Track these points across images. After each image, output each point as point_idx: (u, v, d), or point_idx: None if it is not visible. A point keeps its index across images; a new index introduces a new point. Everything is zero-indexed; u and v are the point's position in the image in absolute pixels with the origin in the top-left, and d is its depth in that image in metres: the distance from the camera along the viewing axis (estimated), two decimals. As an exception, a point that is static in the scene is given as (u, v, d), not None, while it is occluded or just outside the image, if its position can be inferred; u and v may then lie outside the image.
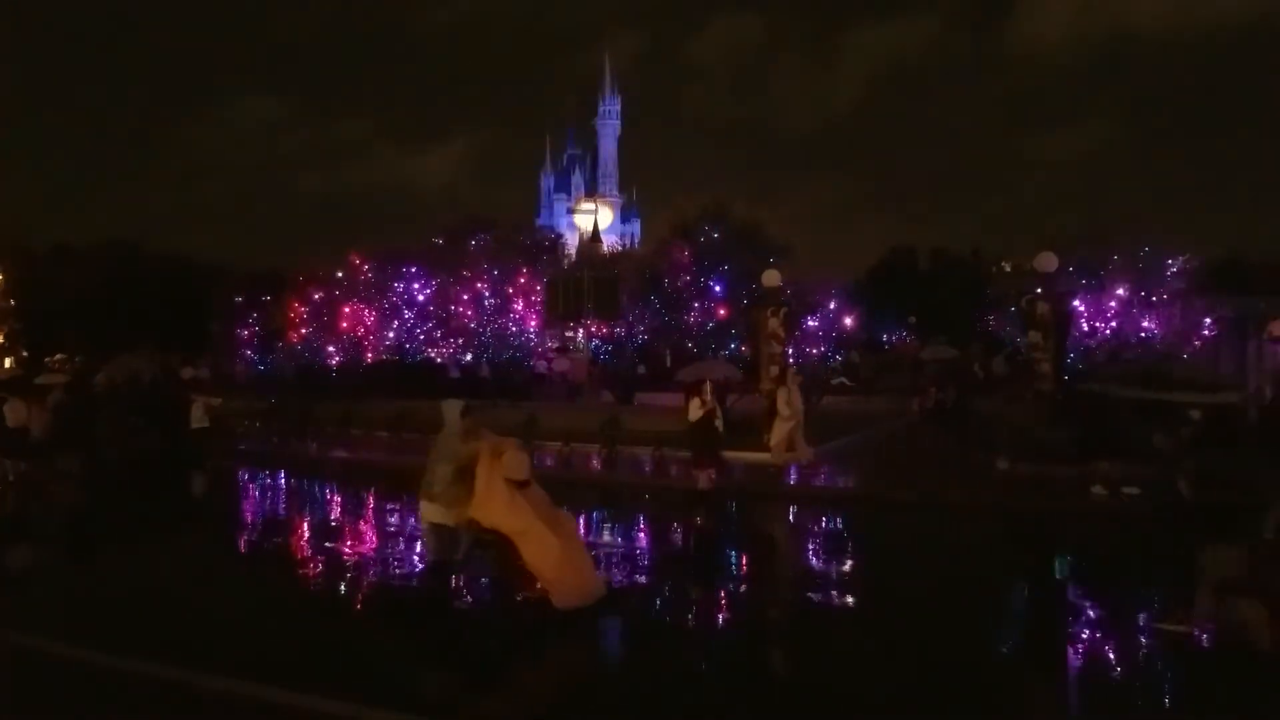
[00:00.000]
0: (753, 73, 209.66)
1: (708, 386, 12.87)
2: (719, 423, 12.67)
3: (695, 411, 12.50)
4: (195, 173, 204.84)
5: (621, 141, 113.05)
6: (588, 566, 6.88)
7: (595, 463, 16.72)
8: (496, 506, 6.61)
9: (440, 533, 6.98)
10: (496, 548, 6.82)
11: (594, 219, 46.88)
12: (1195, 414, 10.16)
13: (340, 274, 40.59)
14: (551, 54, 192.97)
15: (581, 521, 10.68)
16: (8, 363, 47.24)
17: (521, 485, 6.75)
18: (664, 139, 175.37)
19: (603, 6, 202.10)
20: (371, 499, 14.12)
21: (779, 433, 14.75)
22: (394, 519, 12.28)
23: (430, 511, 6.96)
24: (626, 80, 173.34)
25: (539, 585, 6.65)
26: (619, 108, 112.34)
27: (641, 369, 33.18)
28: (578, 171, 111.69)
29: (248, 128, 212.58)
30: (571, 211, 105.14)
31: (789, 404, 14.65)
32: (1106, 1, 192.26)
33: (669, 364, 36.85)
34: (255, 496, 15.47)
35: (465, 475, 6.80)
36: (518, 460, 6.82)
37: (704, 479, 12.39)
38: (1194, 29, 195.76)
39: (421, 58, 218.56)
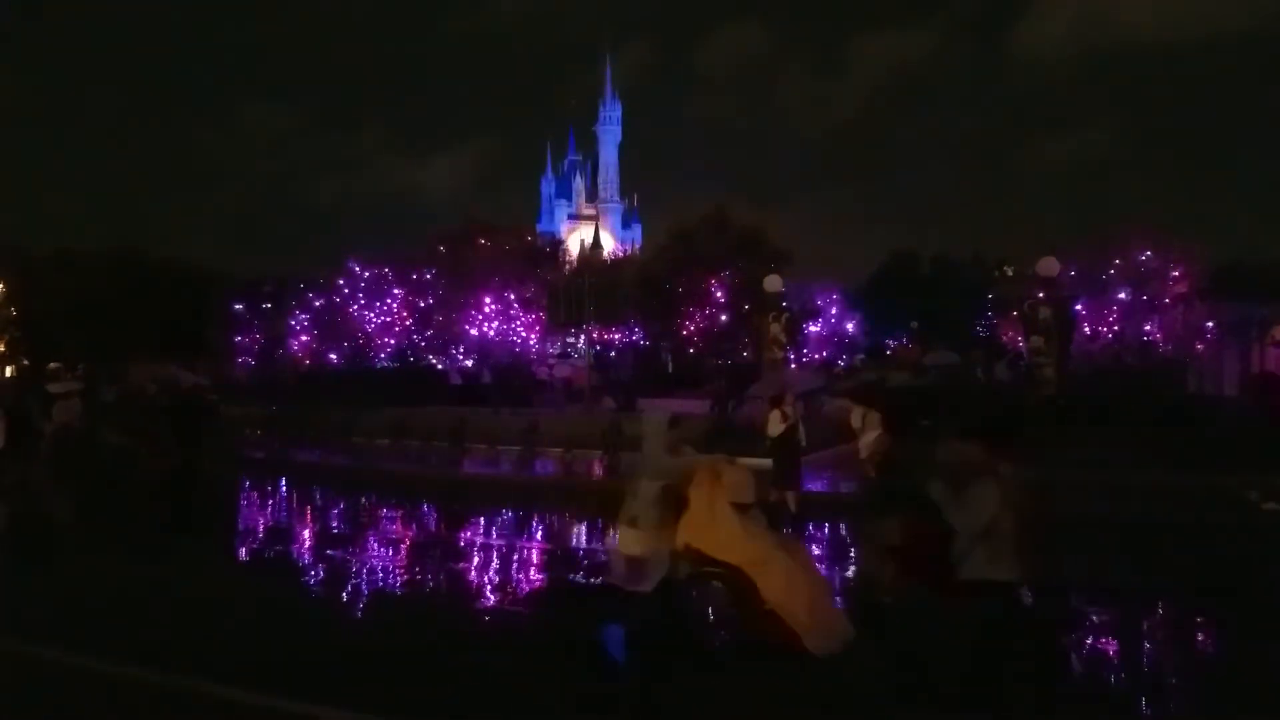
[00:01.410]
0: (757, 80, 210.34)
1: (790, 398, 11.89)
2: (801, 438, 11.48)
3: (776, 426, 11.31)
4: (203, 181, 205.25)
5: (623, 147, 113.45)
6: (835, 603, 5.77)
7: (598, 468, 16.71)
8: (726, 533, 5.68)
9: (647, 562, 5.92)
10: (723, 581, 5.74)
11: (595, 225, 46.97)
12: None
13: (341, 280, 40.64)
14: (560, 64, 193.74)
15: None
16: (9, 370, 47.24)
17: (744, 508, 5.84)
18: (668, 146, 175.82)
19: (611, 17, 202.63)
20: (463, 514, 13.50)
21: (864, 443, 13.23)
22: (507, 540, 11.72)
23: (629, 539, 5.99)
24: (632, 88, 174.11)
25: (785, 627, 5.42)
26: (620, 113, 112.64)
27: (619, 378, 33.03)
28: (579, 177, 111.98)
29: (256, 136, 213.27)
30: (573, 217, 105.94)
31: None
32: (1105, 11, 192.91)
33: (670, 369, 36.89)
34: (291, 506, 15.30)
35: (671, 497, 5.91)
36: (743, 480, 5.94)
37: (793, 500, 11.23)
38: (1191, 37, 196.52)
39: (432, 68, 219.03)
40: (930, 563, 5.07)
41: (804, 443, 11.72)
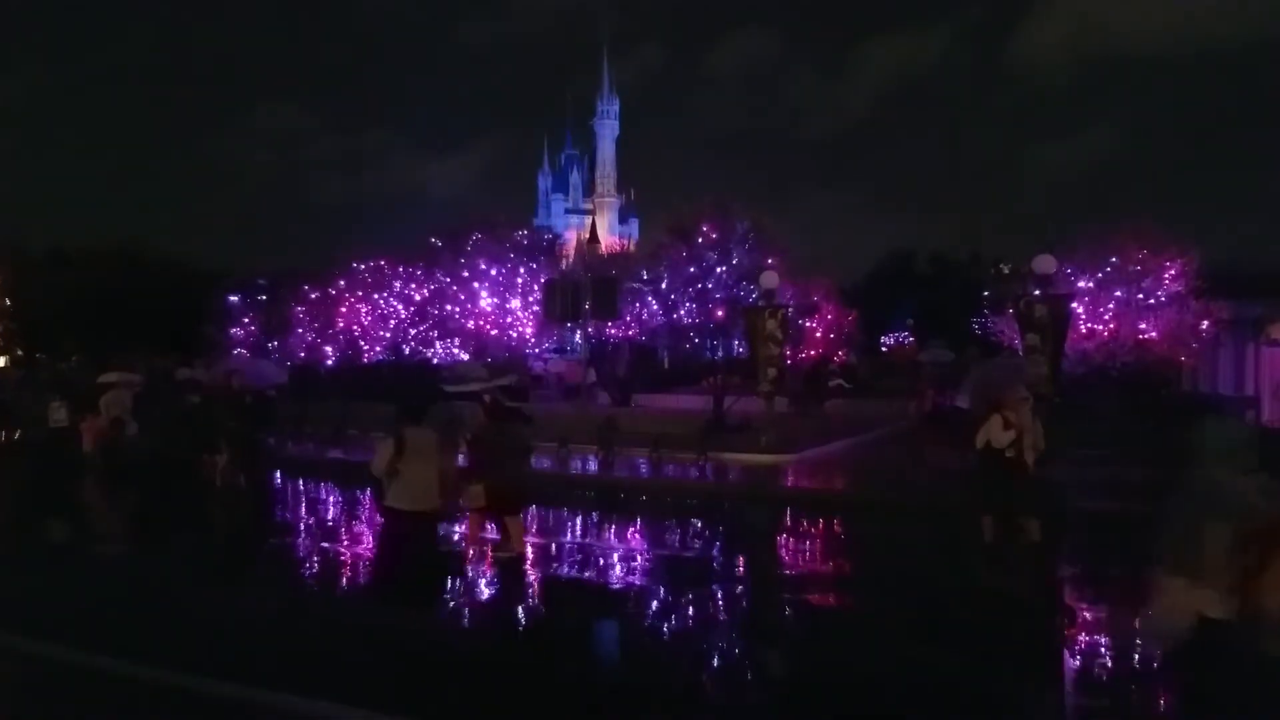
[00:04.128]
0: (762, 84, 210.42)
1: (1014, 401, 8.72)
2: (1031, 454, 8.68)
3: (1000, 434, 8.42)
4: (212, 179, 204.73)
5: (620, 143, 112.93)
6: None
7: (593, 464, 16.68)
8: None
9: (1200, 624, 4.47)
10: None
11: (591, 219, 46.79)
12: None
13: (334, 271, 40.53)
14: (571, 67, 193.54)
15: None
16: (2, 361, 47.18)
17: None
18: (670, 148, 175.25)
19: (619, 21, 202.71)
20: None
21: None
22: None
23: (1186, 595, 4.52)
24: (638, 92, 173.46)
25: None
26: (618, 108, 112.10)
27: (615, 373, 33.00)
28: (575, 172, 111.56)
29: (267, 135, 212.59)
30: (570, 212, 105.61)
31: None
32: (1101, 23, 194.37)
33: (666, 365, 36.81)
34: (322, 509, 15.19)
35: (1253, 546, 4.43)
36: None
37: (1035, 528, 8.68)
38: (1183, 49, 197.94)
39: (443, 69, 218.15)
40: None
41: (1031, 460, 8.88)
